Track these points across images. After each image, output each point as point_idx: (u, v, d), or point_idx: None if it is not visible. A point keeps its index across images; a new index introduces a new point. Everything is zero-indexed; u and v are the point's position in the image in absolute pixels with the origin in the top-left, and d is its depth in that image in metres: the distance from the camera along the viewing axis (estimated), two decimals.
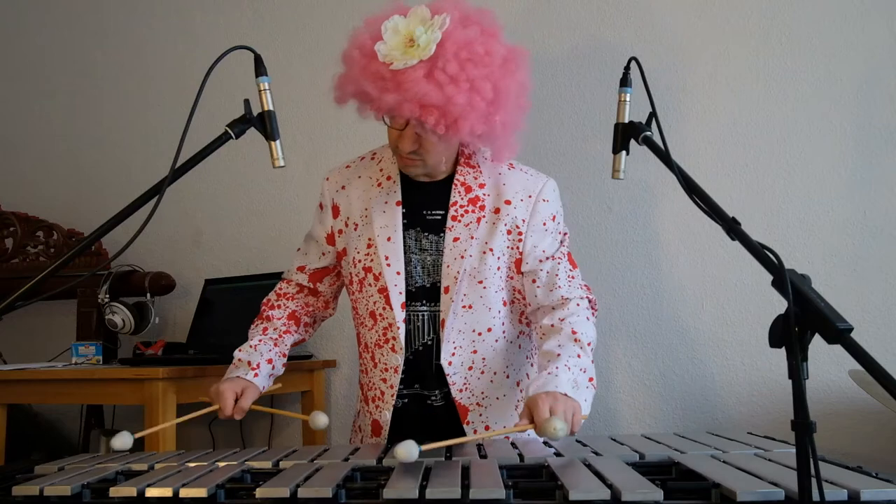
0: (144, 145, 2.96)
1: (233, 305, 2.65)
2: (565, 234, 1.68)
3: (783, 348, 0.94)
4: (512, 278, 1.64)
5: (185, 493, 1.10)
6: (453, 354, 1.61)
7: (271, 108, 1.45)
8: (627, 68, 1.45)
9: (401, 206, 1.64)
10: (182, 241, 2.89)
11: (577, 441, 1.46)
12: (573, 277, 1.63)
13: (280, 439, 2.71)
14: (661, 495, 0.99)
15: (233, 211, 2.83)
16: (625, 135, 1.43)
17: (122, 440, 1.39)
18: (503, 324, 1.65)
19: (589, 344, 1.55)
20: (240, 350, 1.69)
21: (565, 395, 1.40)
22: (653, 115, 1.35)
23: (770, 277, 1.01)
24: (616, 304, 2.29)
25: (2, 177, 3.21)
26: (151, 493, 1.11)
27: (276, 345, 1.72)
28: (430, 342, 1.63)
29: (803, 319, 0.93)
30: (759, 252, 1.06)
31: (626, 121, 1.44)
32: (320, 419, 1.61)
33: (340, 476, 1.13)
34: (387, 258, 1.61)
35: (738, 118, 2.21)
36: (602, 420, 2.30)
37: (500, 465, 1.19)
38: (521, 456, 1.27)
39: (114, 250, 2.80)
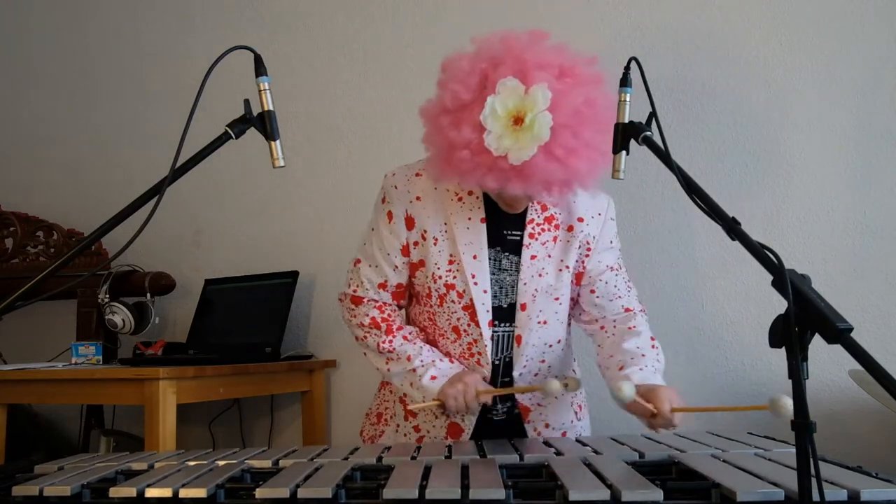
0: (144, 145, 2.96)
1: (233, 305, 2.66)
2: (620, 249, 1.74)
3: (783, 348, 0.94)
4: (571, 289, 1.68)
5: (184, 493, 1.10)
6: (525, 366, 1.65)
7: (271, 108, 1.44)
8: (627, 68, 1.45)
9: (485, 224, 1.61)
10: (182, 241, 2.89)
11: (577, 440, 1.46)
12: (631, 287, 1.72)
13: (280, 439, 2.71)
14: (661, 495, 0.99)
15: (233, 211, 2.83)
16: (625, 135, 1.43)
17: None
18: (566, 332, 1.71)
19: (661, 357, 1.64)
20: (419, 360, 1.61)
21: (673, 390, 1.48)
22: (653, 115, 1.35)
23: (770, 277, 1.01)
24: None
25: (2, 177, 3.21)
26: (151, 493, 1.11)
27: (426, 342, 1.68)
28: (497, 362, 1.64)
29: (803, 319, 0.93)
30: (759, 252, 1.06)
31: (626, 121, 1.44)
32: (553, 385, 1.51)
33: (340, 476, 1.13)
34: (473, 276, 1.59)
35: (738, 118, 2.21)
36: (602, 420, 2.30)
37: (500, 465, 1.19)
38: (521, 456, 1.27)
39: (114, 250, 2.80)
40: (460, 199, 1.61)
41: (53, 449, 2.82)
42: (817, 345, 0.91)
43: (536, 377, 1.67)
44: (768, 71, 2.18)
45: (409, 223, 1.63)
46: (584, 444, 1.40)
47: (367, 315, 1.67)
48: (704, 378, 2.21)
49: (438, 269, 1.61)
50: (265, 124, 1.44)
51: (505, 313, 1.62)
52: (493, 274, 1.61)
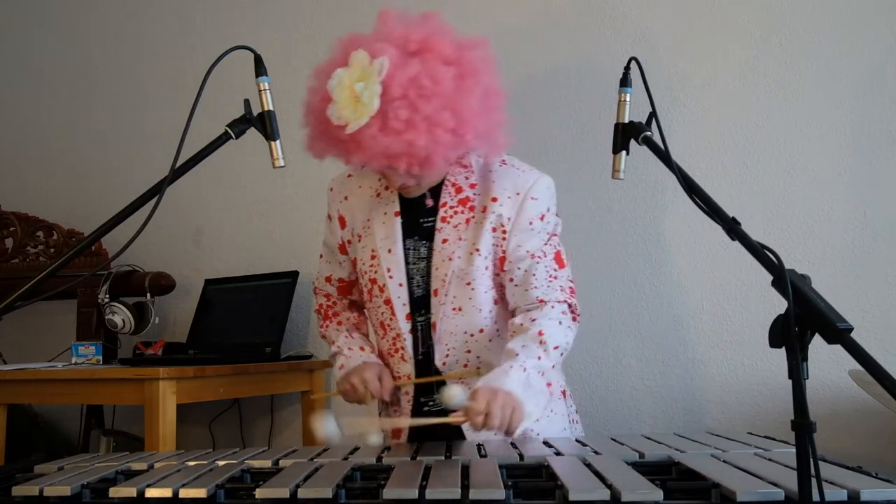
0: (144, 145, 2.96)
1: (233, 305, 2.66)
2: (555, 234, 1.64)
3: (783, 348, 0.94)
4: (499, 275, 1.61)
5: (184, 493, 1.10)
6: (447, 356, 1.61)
7: (271, 108, 1.45)
8: (627, 68, 1.45)
9: (399, 217, 1.63)
10: (182, 241, 2.89)
11: (577, 441, 1.46)
12: (554, 278, 1.59)
13: (280, 439, 2.71)
14: (661, 495, 0.99)
15: (233, 211, 2.83)
16: (625, 135, 1.44)
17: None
18: (495, 322, 1.63)
19: (556, 348, 1.52)
20: (337, 345, 1.70)
21: (509, 392, 1.41)
22: (653, 115, 1.35)
23: (770, 277, 1.01)
24: (616, 304, 2.29)
25: (2, 177, 3.21)
26: (151, 493, 1.11)
27: (359, 329, 1.76)
28: (421, 356, 1.63)
29: (803, 319, 0.93)
30: (759, 252, 1.06)
31: (626, 121, 1.44)
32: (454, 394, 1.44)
33: (340, 476, 1.13)
34: (389, 270, 1.61)
35: (738, 118, 2.21)
36: (602, 420, 2.30)
37: (500, 464, 1.19)
38: (521, 456, 1.27)
39: (114, 250, 2.80)
40: (378, 195, 1.66)
41: (53, 449, 2.81)
42: (817, 345, 0.92)
43: (466, 367, 1.61)
44: (768, 71, 2.18)
45: (342, 222, 1.70)
46: (584, 444, 1.40)
47: (317, 302, 1.81)
48: (704, 378, 2.21)
49: (363, 264, 1.66)
50: (265, 124, 1.44)
51: (426, 301, 1.61)
52: (413, 264, 1.62)
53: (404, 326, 1.60)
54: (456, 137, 1.44)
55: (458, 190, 1.61)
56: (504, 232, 1.58)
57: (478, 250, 1.58)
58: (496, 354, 1.61)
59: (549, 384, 1.55)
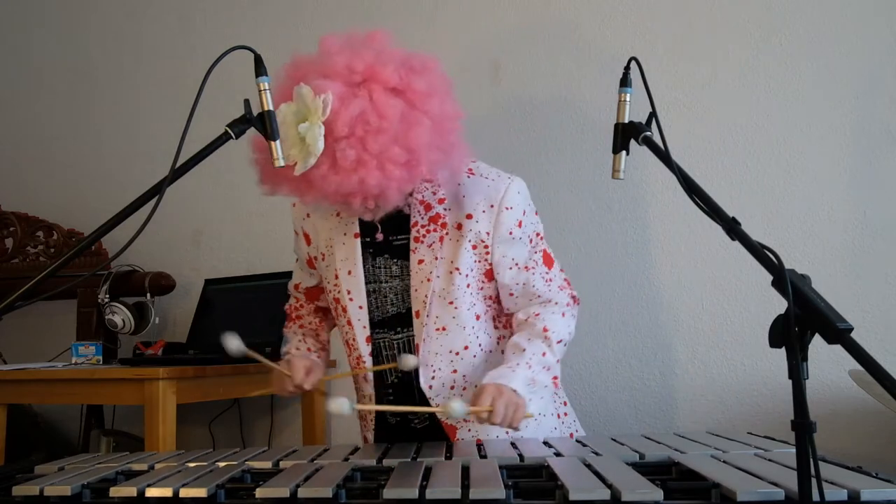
0: (144, 145, 2.96)
1: (233, 305, 2.66)
2: (537, 234, 1.61)
3: (783, 348, 0.94)
4: (482, 288, 1.59)
5: (185, 493, 1.10)
6: (433, 378, 1.57)
7: (271, 108, 1.44)
8: (627, 68, 1.45)
9: (359, 238, 1.59)
10: (182, 241, 2.89)
11: (577, 441, 1.46)
12: (550, 280, 1.60)
13: (280, 439, 2.71)
14: (661, 495, 0.99)
15: (233, 211, 2.83)
16: (625, 135, 1.43)
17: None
18: (478, 338, 1.60)
19: (560, 342, 1.56)
20: (288, 348, 1.71)
21: (514, 391, 1.42)
22: (653, 115, 1.35)
23: (770, 277, 1.01)
24: (616, 304, 2.29)
25: (2, 177, 3.21)
26: (151, 493, 1.11)
27: (317, 335, 1.77)
28: (400, 374, 1.59)
29: (803, 319, 0.93)
30: (759, 252, 1.06)
31: (626, 121, 1.44)
32: (409, 360, 1.52)
33: (340, 476, 1.13)
34: (349, 292, 1.59)
35: (738, 118, 2.21)
36: (602, 420, 2.30)
37: (500, 465, 1.19)
38: (521, 456, 1.27)
39: (114, 250, 2.80)
40: (338, 215, 1.61)
41: (53, 449, 2.82)
42: (817, 345, 0.91)
43: (453, 390, 1.57)
44: (768, 71, 2.18)
45: (307, 239, 1.69)
46: (584, 445, 1.40)
47: (288, 303, 1.85)
48: (704, 378, 2.21)
49: (328, 283, 1.65)
50: (265, 124, 1.43)
51: (402, 319, 1.58)
52: (386, 282, 1.58)
53: (364, 349, 1.59)
54: (409, 170, 1.39)
55: (428, 207, 1.55)
56: (486, 246, 1.55)
57: (457, 269, 1.54)
58: (480, 372, 1.57)
59: (554, 378, 1.55)
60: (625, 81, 1.45)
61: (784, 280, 0.96)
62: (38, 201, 3.06)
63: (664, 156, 1.27)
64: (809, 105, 2.15)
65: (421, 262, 1.55)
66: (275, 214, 2.76)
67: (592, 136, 2.33)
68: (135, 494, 1.12)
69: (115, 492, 1.13)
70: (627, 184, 2.24)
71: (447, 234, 1.55)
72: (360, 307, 1.59)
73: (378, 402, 1.63)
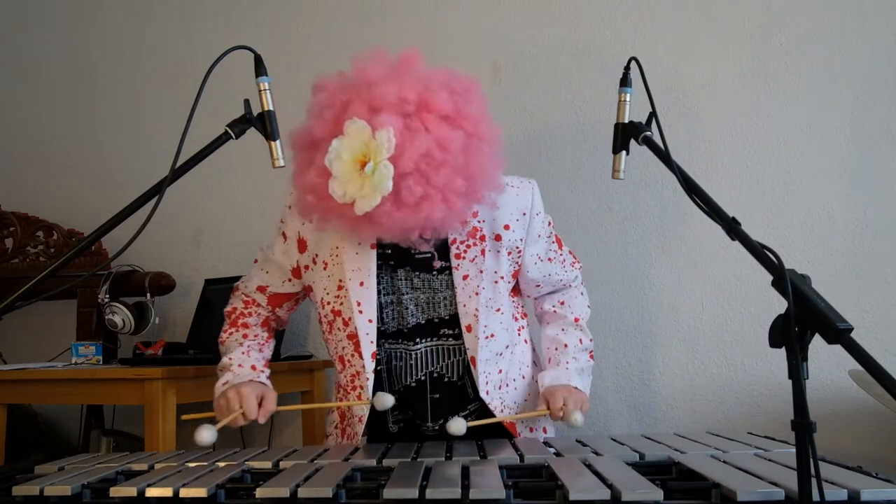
0: (144, 145, 2.96)
1: None
2: (549, 223, 1.72)
3: (783, 348, 0.94)
4: (511, 288, 1.69)
5: (185, 493, 1.10)
6: (487, 384, 1.60)
7: (271, 108, 1.44)
8: (627, 68, 1.45)
9: (375, 250, 1.55)
10: (182, 241, 2.89)
11: (577, 441, 1.46)
12: (564, 262, 1.73)
13: (280, 439, 2.71)
14: (661, 495, 0.99)
15: (233, 211, 2.83)
16: (625, 135, 1.43)
17: (207, 434, 1.33)
18: (510, 334, 1.67)
19: (586, 321, 1.74)
20: (229, 358, 1.59)
21: (576, 388, 1.61)
22: (653, 115, 1.35)
23: (770, 277, 1.01)
24: (616, 304, 2.29)
25: (2, 177, 3.21)
26: (151, 493, 1.11)
27: (261, 351, 1.65)
28: (423, 377, 1.59)
29: (803, 319, 0.93)
30: (759, 252, 1.06)
31: (626, 121, 1.44)
32: (386, 400, 1.49)
33: (340, 476, 1.13)
34: (359, 304, 1.53)
35: (738, 118, 2.21)
36: (602, 420, 2.30)
37: (500, 465, 1.19)
38: (521, 456, 1.27)
39: (114, 250, 2.80)
40: None
41: (53, 449, 2.81)
42: (817, 345, 0.91)
43: (501, 389, 1.63)
44: (768, 71, 2.18)
45: (302, 246, 1.61)
46: (584, 445, 1.40)
47: (232, 304, 1.73)
48: (704, 378, 2.21)
49: (327, 294, 1.58)
50: (265, 124, 1.44)
51: (423, 329, 1.58)
52: (407, 293, 1.56)
53: (368, 365, 1.53)
54: (469, 198, 1.41)
55: (464, 223, 1.55)
56: (519, 251, 1.64)
57: (502, 278, 1.61)
58: (514, 364, 1.68)
59: (590, 353, 1.72)
60: (625, 81, 1.45)
61: (784, 280, 0.96)
62: (38, 201, 3.06)
63: (664, 156, 1.27)
64: (809, 105, 2.15)
65: (466, 277, 1.57)
66: (275, 214, 2.75)
67: (592, 136, 2.32)
68: (135, 494, 1.12)
69: (115, 492, 1.13)
70: (627, 184, 2.24)
71: (486, 246, 1.58)
72: (370, 321, 1.54)
73: (379, 422, 1.61)
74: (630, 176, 1.53)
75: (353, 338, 1.55)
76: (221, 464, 1.30)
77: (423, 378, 1.59)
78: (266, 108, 1.44)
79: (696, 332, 2.23)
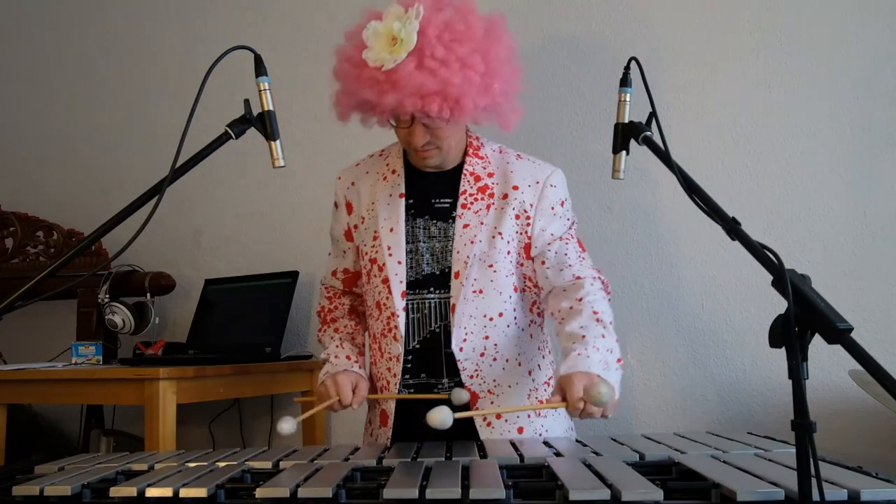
0: (144, 145, 2.96)
1: (233, 305, 2.66)
2: (573, 222, 1.71)
3: (783, 348, 0.94)
4: (522, 265, 1.66)
5: (185, 493, 1.10)
6: (465, 340, 1.62)
7: (271, 108, 1.45)
8: (627, 68, 1.45)
9: (404, 199, 1.67)
10: (182, 241, 2.89)
11: (577, 441, 1.46)
12: (583, 258, 1.68)
13: (280, 439, 2.71)
14: (661, 495, 0.99)
15: (233, 211, 2.83)
16: (625, 135, 1.44)
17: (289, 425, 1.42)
18: (514, 310, 1.66)
19: (610, 323, 1.57)
20: (326, 353, 1.71)
21: (598, 375, 1.42)
22: (653, 115, 1.35)
23: (770, 277, 1.01)
24: (616, 304, 2.26)
25: (2, 177, 3.21)
26: (151, 493, 1.11)
27: (353, 340, 1.76)
28: (437, 329, 1.63)
29: (803, 319, 0.93)
30: (759, 252, 1.06)
31: (626, 121, 1.44)
32: (462, 395, 1.59)
33: (340, 476, 1.13)
34: (389, 248, 1.64)
35: (738, 118, 2.21)
36: (602, 420, 2.30)
37: (500, 465, 1.19)
38: (521, 456, 1.27)
39: (114, 250, 2.80)
40: (385, 179, 1.71)
41: (53, 449, 2.82)
42: (817, 345, 0.91)
43: (483, 357, 1.62)
44: (768, 71, 2.18)
45: (349, 208, 1.75)
46: (584, 445, 1.40)
47: (320, 304, 1.85)
48: (705, 378, 2.21)
49: (365, 245, 1.70)
50: (265, 124, 1.44)
51: (437, 280, 1.63)
52: (424, 242, 1.64)
53: (398, 304, 1.62)
54: (485, 82, 1.50)
55: (477, 178, 1.66)
56: (528, 218, 1.64)
57: (500, 234, 1.63)
58: (512, 345, 1.65)
59: (619, 360, 1.53)
60: (625, 81, 1.46)
61: (784, 280, 0.96)
62: (38, 201, 3.06)
63: (664, 156, 1.27)
64: (809, 105, 2.15)
65: (466, 226, 1.63)
66: (275, 214, 2.77)
67: (592, 137, 2.33)
68: (135, 494, 1.12)
69: (115, 492, 1.13)
70: (627, 184, 2.24)
71: (493, 203, 1.64)
72: (399, 262, 1.63)
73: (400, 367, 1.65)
74: (630, 176, 1.53)
75: (387, 281, 1.64)
76: (221, 464, 1.30)
77: (437, 330, 1.63)
78: (266, 108, 1.44)
79: (696, 332, 2.22)
